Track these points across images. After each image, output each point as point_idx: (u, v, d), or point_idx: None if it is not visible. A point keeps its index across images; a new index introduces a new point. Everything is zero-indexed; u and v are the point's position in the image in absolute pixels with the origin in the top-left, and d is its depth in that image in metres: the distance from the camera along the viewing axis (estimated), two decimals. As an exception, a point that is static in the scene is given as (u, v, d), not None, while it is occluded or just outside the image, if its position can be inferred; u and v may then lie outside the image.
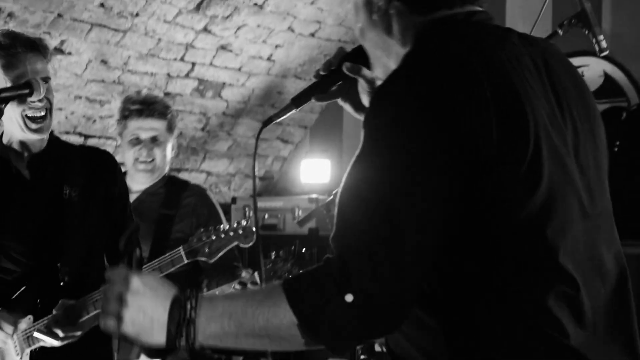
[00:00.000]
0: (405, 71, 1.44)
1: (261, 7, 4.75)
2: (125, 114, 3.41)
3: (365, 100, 1.76)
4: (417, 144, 1.35)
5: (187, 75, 4.93)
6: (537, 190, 1.38)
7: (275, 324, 1.40)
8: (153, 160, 3.41)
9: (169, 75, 4.84)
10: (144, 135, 3.40)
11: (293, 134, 5.75)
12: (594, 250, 1.47)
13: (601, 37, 3.18)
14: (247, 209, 5.10)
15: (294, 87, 5.37)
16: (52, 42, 4.21)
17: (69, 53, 4.34)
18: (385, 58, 1.61)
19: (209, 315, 1.44)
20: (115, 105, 4.70)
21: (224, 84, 5.13)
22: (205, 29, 4.72)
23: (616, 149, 4.09)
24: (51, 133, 2.83)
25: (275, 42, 5.05)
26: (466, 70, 1.39)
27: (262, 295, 1.45)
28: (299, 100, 1.76)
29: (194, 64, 4.90)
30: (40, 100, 2.63)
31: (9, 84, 2.61)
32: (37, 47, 2.69)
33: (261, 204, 5.15)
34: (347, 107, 1.80)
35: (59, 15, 4.14)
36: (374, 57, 1.65)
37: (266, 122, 1.76)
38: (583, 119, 1.53)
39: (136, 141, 3.40)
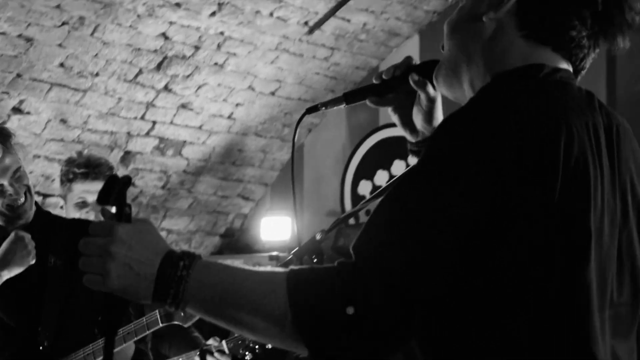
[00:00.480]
0: (485, 113, 1.32)
1: (222, 66, 4.80)
2: (70, 177, 3.35)
3: (418, 118, 1.68)
4: (467, 194, 1.27)
5: (147, 134, 4.94)
6: (574, 274, 1.32)
7: (267, 310, 1.32)
8: None
9: (129, 133, 4.85)
10: (91, 199, 3.35)
11: (254, 191, 5.76)
12: (610, 340, 1.37)
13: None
14: (207, 267, 5.07)
15: (255, 144, 5.40)
16: (10, 102, 4.21)
17: (28, 112, 4.33)
18: (465, 69, 1.48)
19: (201, 279, 1.33)
20: (75, 164, 4.71)
21: (184, 142, 5.15)
22: (166, 88, 4.75)
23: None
24: (38, 207, 2.86)
25: (236, 101, 5.09)
26: (544, 132, 1.30)
27: (264, 276, 1.35)
28: (352, 97, 1.68)
29: (154, 123, 4.91)
30: (16, 194, 2.68)
31: None
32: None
33: (222, 261, 5.13)
34: (396, 119, 1.72)
35: (18, 75, 4.15)
36: (450, 63, 1.51)
37: (311, 109, 1.66)
38: (635, 206, 1.44)
39: (82, 204, 3.34)
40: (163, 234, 5.46)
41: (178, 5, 4.28)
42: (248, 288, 1.33)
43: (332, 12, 4.77)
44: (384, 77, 1.66)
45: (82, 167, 3.34)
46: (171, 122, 4.98)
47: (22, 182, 2.71)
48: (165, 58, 4.56)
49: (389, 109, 1.71)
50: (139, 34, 4.35)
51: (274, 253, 5.11)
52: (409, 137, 1.73)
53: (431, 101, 1.65)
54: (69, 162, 3.39)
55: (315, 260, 3.37)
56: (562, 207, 1.29)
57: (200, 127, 5.13)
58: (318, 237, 3.37)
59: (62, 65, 4.26)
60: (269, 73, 5.03)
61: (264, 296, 1.31)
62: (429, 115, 1.67)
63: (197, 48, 4.61)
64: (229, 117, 5.19)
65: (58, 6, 3.96)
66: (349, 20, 4.90)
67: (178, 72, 4.68)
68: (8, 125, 4.25)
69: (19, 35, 3.98)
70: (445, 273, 1.28)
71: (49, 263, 2.77)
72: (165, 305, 1.34)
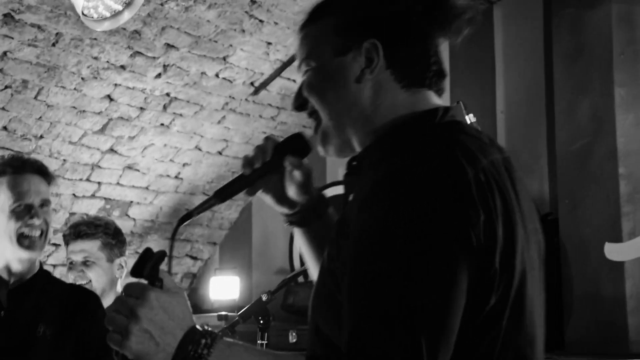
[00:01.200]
0: (413, 177, 1.31)
1: (168, 127, 4.81)
2: (65, 239, 3.46)
3: (293, 191, 1.68)
4: (436, 258, 1.26)
5: (93, 195, 4.92)
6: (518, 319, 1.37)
7: None
8: (89, 281, 3.37)
9: (74, 195, 4.82)
10: (74, 258, 3.38)
11: (202, 250, 5.74)
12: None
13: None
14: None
15: (202, 204, 5.40)
16: (-48, 166, 4.17)
17: (-29, 176, 4.29)
18: (353, 133, 1.51)
19: (219, 357, 1.31)
20: (19, 226, 4.66)
21: (131, 202, 5.13)
22: (112, 150, 4.75)
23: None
24: (41, 267, 2.84)
25: (183, 161, 5.10)
26: (478, 180, 1.32)
27: None
28: (224, 193, 1.62)
29: (100, 184, 4.89)
30: (37, 218, 2.69)
31: (11, 201, 2.70)
32: (42, 171, 2.78)
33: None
34: (269, 199, 1.71)
35: (-39, 139, 4.12)
36: (338, 131, 1.52)
37: (184, 218, 1.58)
38: (532, 234, 1.45)
39: (70, 265, 3.40)
40: (110, 295, 5.40)
41: (123, 67, 4.29)
42: None
43: (277, 73, 4.82)
44: (255, 165, 1.63)
45: (69, 229, 3.41)
46: (117, 183, 4.97)
47: (45, 216, 2.72)
48: (110, 120, 4.57)
49: (260, 192, 1.69)
50: (84, 97, 4.35)
51: (223, 313, 5.06)
52: (285, 211, 1.73)
53: (307, 174, 1.67)
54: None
55: (261, 321, 3.37)
56: (504, 247, 1.32)
57: (147, 188, 5.12)
58: (264, 298, 3.36)
59: (5, 128, 4.23)
60: (215, 133, 5.06)
61: None
62: (305, 186, 1.68)
63: (142, 109, 4.62)
64: (176, 176, 5.19)
65: (1, 70, 3.95)
66: (294, 80, 4.96)
67: (123, 133, 4.68)
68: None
69: (-39, 99, 3.97)
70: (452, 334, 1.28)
71: (37, 332, 2.70)
72: None
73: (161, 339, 1.31)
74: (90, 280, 3.38)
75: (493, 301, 1.32)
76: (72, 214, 4.86)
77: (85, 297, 2.87)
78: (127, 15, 3.53)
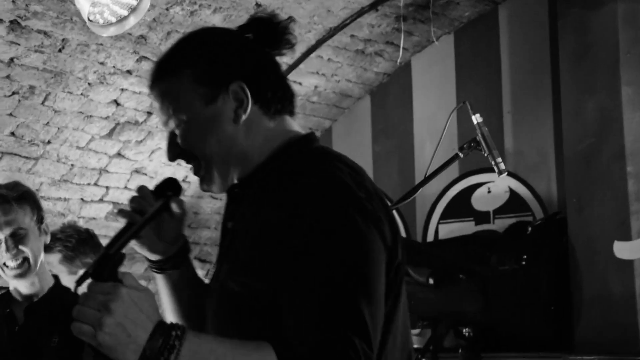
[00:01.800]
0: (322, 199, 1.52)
1: (175, 131, 4.81)
2: None
3: (171, 232, 1.76)
4: (364, 246, 1.51)
5: (101, 200, 4.93)
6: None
7: None
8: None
9: (82, 199, 4.83)
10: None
11: (210, 253, 5.75)
12: None
13: (499, 159, 3.33)
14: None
15: (210, 207, 5.40)
16: (-40, 172, 4.19)
17: (-21, 182, 4.30)
18: (233, 169, 1.65)
19: (193, 349, 1.40)
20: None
21: (139, 206, 5.14)
22: (119, 154, 4.75)
23: (523, 263, 4.20)
24: (57, 281, 2.87)
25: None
26: (366, 189, 1.58)
27: (252, 346, 1.46)
28: (117, 245, 1.60)
29: (107, 188, 4.90)
30: (9, 252, 2.72)
31: None
32: (7, 199, 2.75)
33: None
34: (146, 250, 1.77)
35: (-31, 145, 4.13)
36: (221, 170, 1.65)
37: (82, 277, 1.55)
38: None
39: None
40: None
41: (129, 72, 4.30)
42: (240, 355, 1.44)
43: (283, 76, 4.83)
44: (142, 212, 1.68)
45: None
46: (125, 187, 4.97)
47: (20, 244, 2.72)
48: (117, 124, 4.58)
49: (134, 242, 1.73)
50: (91, 102, 4.36)
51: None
52: (158, 257, 1.78)
53: (184, 215, 1.76)
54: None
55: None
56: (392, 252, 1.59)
57: (154, 192, 5.12)
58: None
59: (13, 134, 4.25)
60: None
61: None
62: (180, 227, 1.78)
63: (149, 114, 4.63)
64: (184, 180, 5.19)
65: (8, 76, 3.96)
66: (300, 83, 4.96)
67: (131, 137, 4.69)
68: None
69: (-31, 106, 3.98)
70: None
71: (52, 342, 2.73)
72: None
73: (133, 331, 1.37)
74: None
75: (390, 300, 1.57)
76: (80, 218, 4.87)
77: None
78: (132, 21, 3.54)
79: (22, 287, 2.80)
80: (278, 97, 1.69)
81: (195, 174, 1.70)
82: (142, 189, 1.74)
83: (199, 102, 1.64)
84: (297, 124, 1.73)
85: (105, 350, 1.38)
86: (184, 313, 1.80)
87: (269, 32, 1.72)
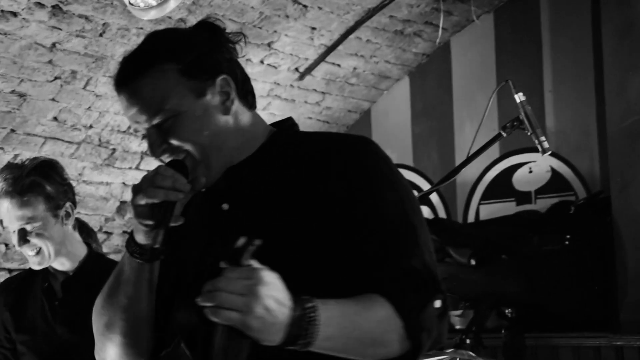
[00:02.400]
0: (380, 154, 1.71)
1: (214, 114, 4.83)
2: None
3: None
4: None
5: (142, 183, 4.96)
6: None
7: (383, 327, 1.54)
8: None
9: (124, 183, 4.87)
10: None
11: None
12: None
13: (543, 138, 3.30)
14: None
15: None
16: (5, 157, 4.23)
17: (23, 167, 4.35)
18: (227, 151, 1.69)
19: (328, 315, 1.47)
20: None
21: (179, 190, 5.16)
22: (160, 138, 4.78)
23: (567, 243, 4.17)
24: (90, 252, 2.92)
25: (230, 148, 5.12)
26: None
27: (368, 302, 1.56)
28: (164, 222, 1.62)
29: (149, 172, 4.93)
30: (21, 246, 2.77)
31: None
32: (13, 193, 2.76)
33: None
34: (160, 236, 1.65)
35: (12, 130, 4.17)
36: (218, 157, 1.69)
37: (155, 254, 1.70)
38: None
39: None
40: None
41: (169, 56, 4.32)
42: (365, 311, 1.54)
43: (322, 58, 4.82)
44: (175, 193, 1.62)
45: None
46: (166, 171, 5.00)
47: (31, 237, 2.76)
48: (158, 108, 4.60)
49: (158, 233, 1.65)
50: (131, 86, 4.38)
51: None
52: (152, 244, 1.66)
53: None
54: None
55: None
56: None
57: (195, 175, 5.15)
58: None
59: (55, 119, 4.29)
60: (261, 119, 5.06)
61: (377, 313, 1.55)
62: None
63: (189, 97, 4.64)
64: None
65: (50, 61, 4.00)
66: (339, 65, 4.95)
67: (171, 121, 4.71)
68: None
69: (12, 91, 4.02)
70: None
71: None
72: (295, 345, 1.46)
73: (278, 312, 1.43)
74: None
75: None
76: (122, 202, 4.91)
77: None
78: (173, 4, 3.55)
79: (54, 265, 2.85)
80: (251, 91, 1.76)
81: (189, 169, 1.66)
82: (167, 169, 1.65)
83: (190, 95, 1.66)
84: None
85: (252, 332, 1.42)
86: (135, 313, 1.73)
87: (219, 31, 1.75)
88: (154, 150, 1.68)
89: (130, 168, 4.83)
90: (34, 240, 2.77)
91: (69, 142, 4.44)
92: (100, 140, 4.56)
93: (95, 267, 2.87)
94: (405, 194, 1.67)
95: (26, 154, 4.32)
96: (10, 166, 2.85)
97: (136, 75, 1.67)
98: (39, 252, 2.79)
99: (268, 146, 1.73)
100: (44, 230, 2.78)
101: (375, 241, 1.60)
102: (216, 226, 1.71)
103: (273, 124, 1.80)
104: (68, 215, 2.87)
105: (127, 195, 4.93)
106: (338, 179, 1.63)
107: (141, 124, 1.68)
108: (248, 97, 1.74)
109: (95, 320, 1.80)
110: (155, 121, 1.65)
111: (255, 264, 1.45)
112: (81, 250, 2.91)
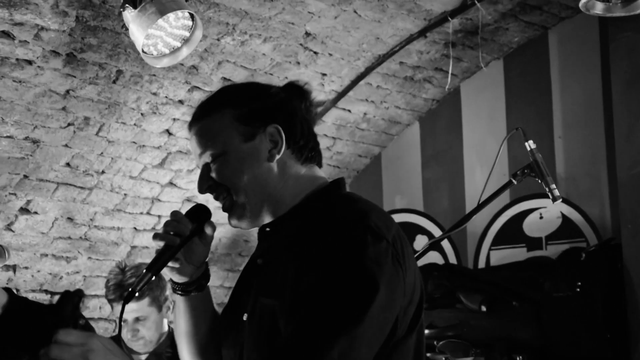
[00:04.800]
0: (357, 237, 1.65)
1: (225, 159, 4.86)
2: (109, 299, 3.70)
3: (200, 254, 1.87)
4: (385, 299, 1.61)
5: (153, 228, 4.98)
6: None
7: None
8: (142, 338, 3.61)
9: (135, 229, 4.88)
10: (128, 317, 3.59)
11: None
12: None
13: (553, 186, 3.30)
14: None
15: (260, 235, 5.43)
16: (18, 203, 4.26)
17: (35, 212, 4.38)
18: (266, 206, 1.77)
19: None
20: (82, 261, 4.73)
21: (190, 234, 5.17)
22: (171, 183, 4.81)
23: (578, 289, 4.15)
24: (11, 296, 2.84)
25: (241, 193, 5.14)
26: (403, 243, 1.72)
27: None
28: (156, 267, 1.80)
29: (160, 217, 4.95)
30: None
31: None
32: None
33: None
34: (175, 273, 1.87)
35: (25, 176, 4.21)
36: (253, 207, 1.78)
37: (128, 297, 1.79)
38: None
39: (124, 323, 3.62)
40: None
41: (181, 102, 4.36)
42: None
43: (332, 103, 4.85)
44: (173, 238, 1.79)
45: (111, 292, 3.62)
46: (177, 216, 5.02)
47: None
48: (169, 154, 4.63)
49: (169, 266, 1.84)
50: (143, 132, 4.42)
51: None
52: (181, 280, 1.88)
53: (212, 238, 1.87)
54: (106, 284, 3.69)
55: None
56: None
57: (205, 220, 5.16)
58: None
59: (68, 164, 4.32)
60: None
61: None
62: (208, 248, 1.89)
63: (200, 143, 4.67)
64: (234, 208, 5.23)
65: (64, 108, 4.04)
66: (349, 111, 4.98)
67: (182, 166, 4.74)
68: (16, 225, 4.29)
69: (26, 138, 4.06)
70: None
71: None
72: None
73: None
74: (142, 337, 3.61)
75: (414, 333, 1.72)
76: (133, 247, 4.92)
77: None
78: (185, 52, 3.58)
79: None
80: (309, 146, 1.83)
81: (227, 209, 1.81)
82: (176, 214, 1.83)
83: (238, 138, 1.78)
84: (324, 174, 1.88)
85: None
86: (199, 337, 1.92)
87: (301, 92, 1.89)
88: (200, 185, 1.83)
89: (141, 213, 4.85)
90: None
91: (81, 188, 4.47)
92: (112, 185, 4.58)
93: (22, 314, 2.85)
94: (348, 286, 1.60)
95: (38, 200, 4.35)
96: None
97: (200, 118, 1.84)
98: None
99: (294, 210, 1.79)
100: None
101: (287, 331, 1.62)
102: (249, 278, 1.84)
103: (325, 184, 1.85)
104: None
105: (138, 240, 4.95)
106: (305, 260, 1.66)
107: (197, 161, 1.84)
108: (304, 151, 1.81)
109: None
110: (206, 158, 1.80)
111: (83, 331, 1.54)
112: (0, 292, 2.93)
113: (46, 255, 4.61)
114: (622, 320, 4.13)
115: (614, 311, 4.15)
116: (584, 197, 4.66)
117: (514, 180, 3.34)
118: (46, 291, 4.73)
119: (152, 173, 4.68)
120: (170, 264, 1.82)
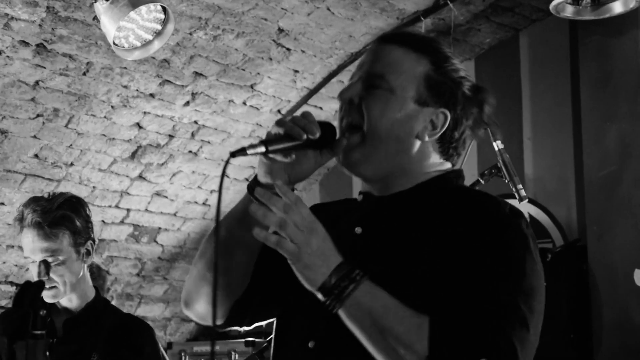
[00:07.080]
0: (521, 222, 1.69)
1: (196, 154, 4.85)
2: None
3: (302, 172, 1.69)
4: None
5: (122, 222, 4.96)
6: None
7: (408, 341, 1.49)
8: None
9: (103, 222, 4.86)
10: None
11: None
12: None
13: (520, 186, 3.32)
14: (182, 354, 5.05)
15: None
16: (-16, 194, 4.23)
17: (2, 203, 4.35)
18: (395, 152, 1.66)
19: (368, 290, 1.50)
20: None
21: (159, 229, 5.16)
22: (140, 176, 4.79)
23: (544, 290, 4.19)
24: (97, 297, 2.89)
25: (210, 187, 5.13)
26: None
27: (413, 315, 1.51)
28: (274, 145, 1.61)
29: (128, 210, 4.93)
30: (42, 277, 2.72)
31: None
32: (39, 225, 2.75)
33: (197, 348, 5.11)
34: (269, 170, 1.68)
35: (-8, 167, 4.18)
36: (382, 141, 1.65)
37: (237, 152, 1.60)
38: None
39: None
40: (138, 321, 5.43)
41: (152, 95, 4.35)
42: (402, 314, 1.50)
43: (304, 100, 4.86)
44: (310, 136, 1.61)
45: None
46: (146, 210, 5.00)
47: (50, 272, 2.74)
48: (139, 147, 4.61)
49: (290, 158, 1.64)
50: (113, 124, 4.40)
51: (250, 339, 5.07)
52: (269, 181, 1.70)
53: (326, 161, 1.70)
54: None
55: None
56: None
57: (175, 214, 5.15)
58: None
59: (36, 156, 4.29)
60: (243, 160, 5.07)
61: (411, 328, 1.49)
62: (312, 169, 1.71)
63: (171, 137, 4.67)
64: (204, 203, 5.22)
65: (33, 99, 4.01)
66: (321, 108, 4.99)
67: (152, 160, 4.73)
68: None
69: (-6, 128, 4.03)
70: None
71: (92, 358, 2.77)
72: (328, 295, 1.49)
73: (329, 257, 1.51)
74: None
75: None
76: (101, 240, 4.90)
77: (135, 330, 2.89)
78: (157, 45, 3.57)
79: (61, 301, 2.84)
80: (457, 151, 1.73)
81: (351, 148, 1.65)
82: (309, 115, 1.65)
83: (413, 92, 1.65)
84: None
85: (300, 266, 1.49)
86: (230, 238, 1.77)
87: (484, 102, 1.77)
88: (345, 90, 1.68)
89: (109, 206, 4.83)
90: (53, 275, 2.77)
91: (49, 180, 4.44)
92: (80, 178, 4.56)
93: (100, 312, 2.86)
94: (530, 273, 1.64)
95: (5, 191, 4.32)
96: (38, 199, 2.85)
97: (399, 43, 1.69)
98: (53, 287, 2.78)
99: (423, 186, 1.68)
100: (65, 264, 2.78)
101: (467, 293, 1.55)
102: (344, 247, 1.62)
103: (452, 169, 1.75)
104: (88, 253, 2.86)
105: (106, 233, 4.93)
106: (472, 229, 1.59)
107: (356, 75, 1.68)
108: (449, 148, 1.70)
109: (196, 262, 1.82)
110: (370, 80, 1.65)
111: (289, 193, 1.52)
112: (90, 292, 2.89)
113: (12, 246, 4.57)
114: (585, 320, 4.18)
115: (578, 312, 4.19)
116: (551, 198, 4.70)
117: (481, 180, 3.37)
118: (11, 283, 4.70)
119: (122, 166, 4.66)
120: (279, 156, 1.62)
